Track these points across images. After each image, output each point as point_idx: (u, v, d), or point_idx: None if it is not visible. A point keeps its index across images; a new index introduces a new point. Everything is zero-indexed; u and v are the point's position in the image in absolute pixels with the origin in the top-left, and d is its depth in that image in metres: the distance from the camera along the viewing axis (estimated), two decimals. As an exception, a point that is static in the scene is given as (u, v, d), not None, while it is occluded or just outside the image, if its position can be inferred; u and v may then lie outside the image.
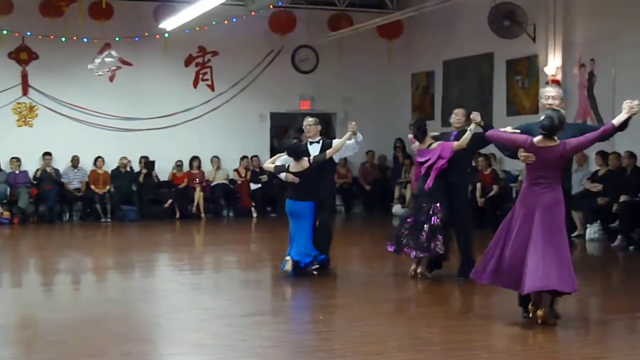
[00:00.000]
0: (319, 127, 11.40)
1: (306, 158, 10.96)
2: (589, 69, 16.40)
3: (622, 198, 13.96)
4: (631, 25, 15.24)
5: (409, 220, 10.72)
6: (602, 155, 14.98)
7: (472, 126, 10.29)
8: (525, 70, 18.02)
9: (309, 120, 11.36)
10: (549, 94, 8.22)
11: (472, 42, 19.13)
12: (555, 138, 7.73)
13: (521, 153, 7.84)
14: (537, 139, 7.74)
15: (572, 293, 7.92)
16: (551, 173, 7.78)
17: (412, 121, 11.01)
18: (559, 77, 16.73)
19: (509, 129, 8.11)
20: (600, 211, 14.75)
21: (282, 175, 11.22)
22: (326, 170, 11.19)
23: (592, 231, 14.85)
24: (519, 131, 8.01)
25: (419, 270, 10.66)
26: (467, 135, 10.37)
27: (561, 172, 7.88)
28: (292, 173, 10.94)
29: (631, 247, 13.54)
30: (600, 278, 11.43)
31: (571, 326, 8.16)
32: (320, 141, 11.28)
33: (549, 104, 8.08)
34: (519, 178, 17.19)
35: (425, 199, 10.53)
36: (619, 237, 13.88)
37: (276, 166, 11.21)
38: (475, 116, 10.12)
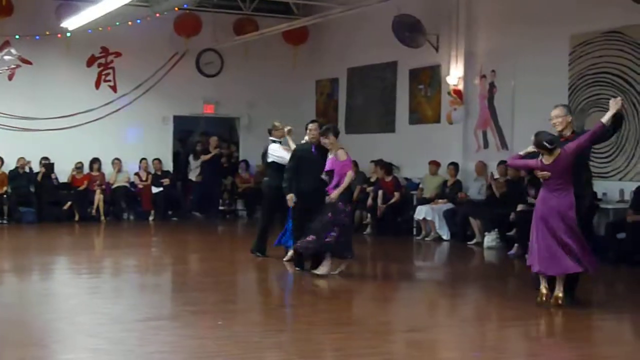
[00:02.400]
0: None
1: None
2: (490, 80, 16.72)
3: (520, 207, 14.25)
4: (531, 37, 15.57)
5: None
6: (503, 165, 15.24)
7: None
8: (428, 80, 18.27)
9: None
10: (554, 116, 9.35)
11: (376, 50, 19.32)
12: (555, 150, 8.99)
13: (538, 173, 9.15)
14: (544, 158, 9.04)
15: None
16: (564, 178, 9.05)
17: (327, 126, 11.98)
18: (460, 87, 17.04)
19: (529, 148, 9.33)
20: (498, 220, 15.05)
21: None
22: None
23: (490, 239, 15.11)
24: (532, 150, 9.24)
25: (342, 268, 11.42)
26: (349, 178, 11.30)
27: (569, 175, 9.05)
28: None
29: (527, 255, 13.77)
30: (496, 285, 11.63)
31: (468, 332, 8.33)
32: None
33: (553, 124, 9.32)
34: (420, 186, 17.44)
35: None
36: (516, 245, 14.15)
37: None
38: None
